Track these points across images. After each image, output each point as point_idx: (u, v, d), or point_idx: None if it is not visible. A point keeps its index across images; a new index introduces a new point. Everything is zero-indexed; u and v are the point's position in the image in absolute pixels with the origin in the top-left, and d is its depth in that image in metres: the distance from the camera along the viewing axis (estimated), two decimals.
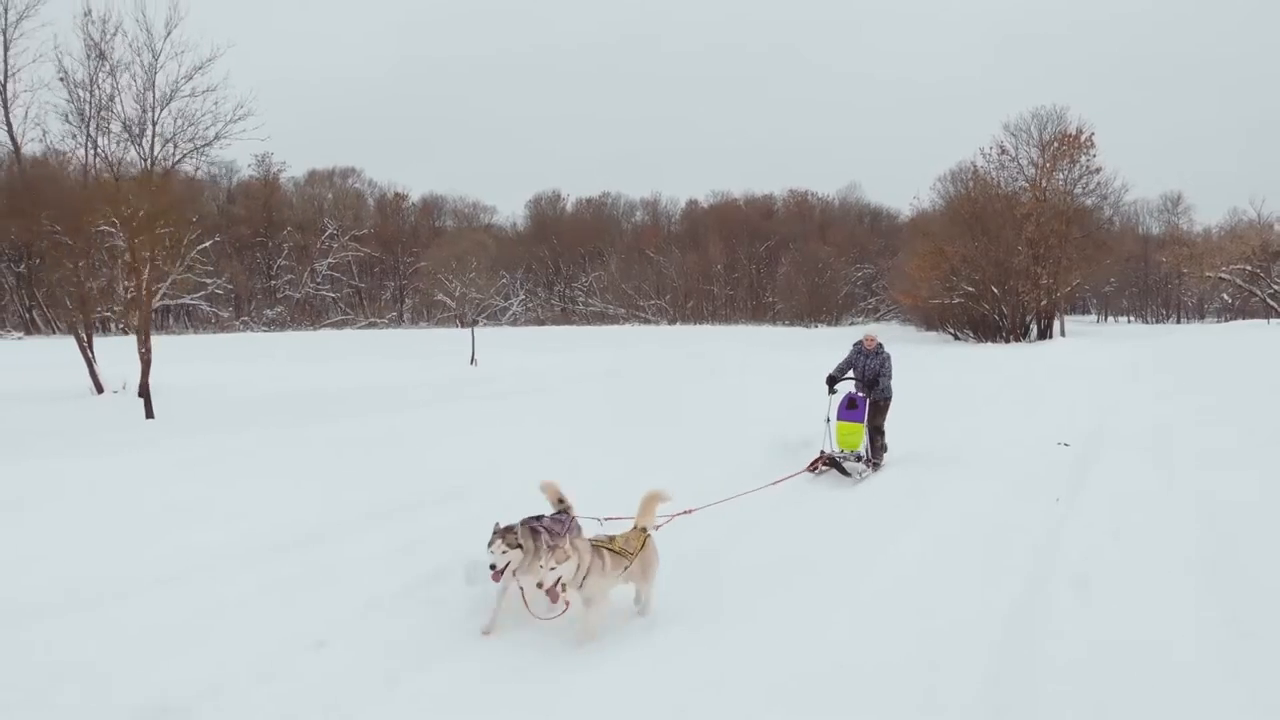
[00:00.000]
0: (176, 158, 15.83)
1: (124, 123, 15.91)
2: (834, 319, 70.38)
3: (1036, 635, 3.69)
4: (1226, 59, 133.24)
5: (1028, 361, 22.24)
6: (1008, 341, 38.21)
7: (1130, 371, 17.82)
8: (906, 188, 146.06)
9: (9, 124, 15.73)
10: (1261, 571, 4.28)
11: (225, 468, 7.13)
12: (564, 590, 3.76)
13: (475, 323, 38.19)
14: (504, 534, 3.99)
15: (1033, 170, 41.86)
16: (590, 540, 4.06)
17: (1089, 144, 40.04)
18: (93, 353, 15.84)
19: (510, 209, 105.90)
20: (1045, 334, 41.80)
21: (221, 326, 61.52)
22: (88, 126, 16.45)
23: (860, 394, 7.96)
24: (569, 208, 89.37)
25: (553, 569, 3.67)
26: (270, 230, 68.98)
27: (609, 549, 4.01)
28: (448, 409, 12.51)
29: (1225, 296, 60.53)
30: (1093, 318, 79.44)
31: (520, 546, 3.96)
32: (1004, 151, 41.90)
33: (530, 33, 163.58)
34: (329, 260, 71.64)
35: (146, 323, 14.04)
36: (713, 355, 26.79)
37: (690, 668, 3.53)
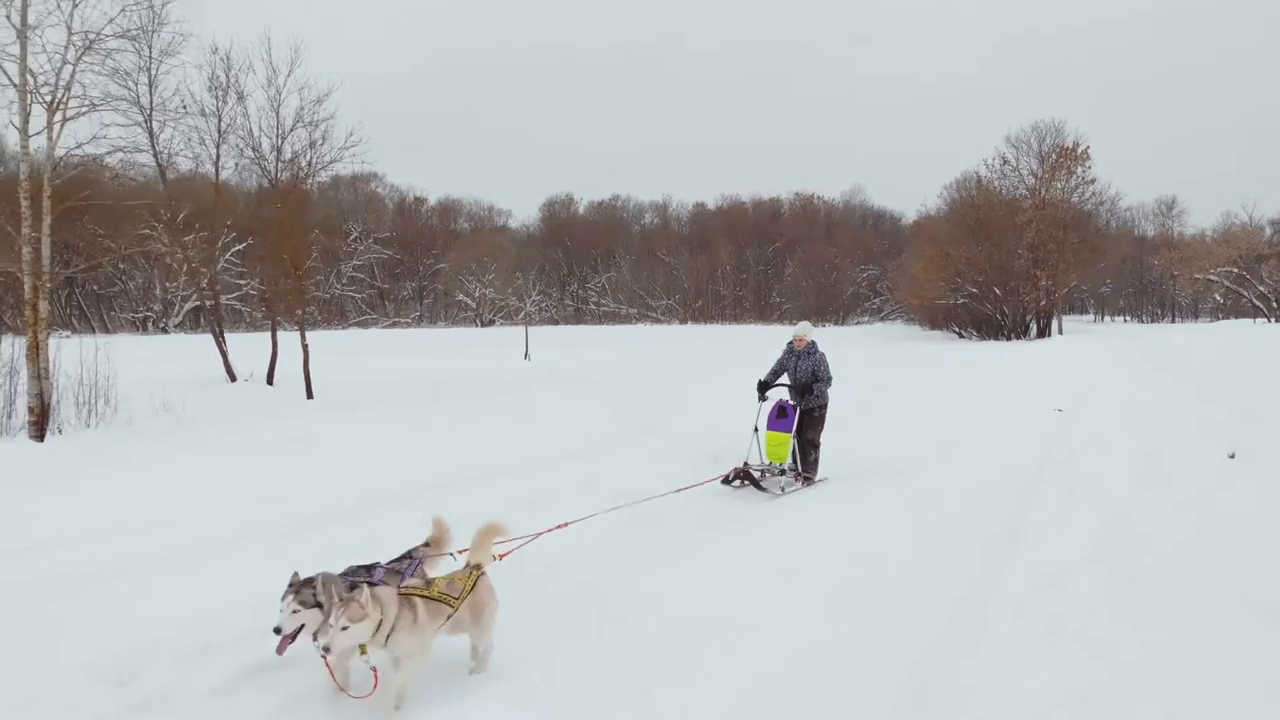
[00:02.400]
0: (298, 177, 18.45)
1: (253, 148, 18.52)
2: (840, 318, 73.02)
3: (1039, 488, 6.51)
4: (1228, 60, 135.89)
5: (1028, 355, 24.97)
6: (1009, 339, 40.92)
7: (1114, 360, 20.55)
8: (908, 189, 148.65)
9: (155, 150, 18.25)
10: (1165, 459, 7.17)
11: (399, 430, 9.81)
12: (364, 654, 3.20)
13: (491, 321, 40.68)
14: (299, 588, 3.25)
15: (1032, 179, 44.75)
16: (400, 589, 3.42)
17: (1085, 156, 42.90)
18: (226, 346, 18.40)
19: (520, 208, 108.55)
20: (1044, 332, 44.55)
21: (254, 326, 63.96)
22: (217, 150, 19.07)
23: (790, 403, 7.51)
24: (581, 210, 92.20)
25: (344, 629, 3.05)
26: (286, 232, 71.32)
27: (424, 597, 3.39)
28: (538, 394, 15.01)
29: (1217, 297, 63.24)
30: (1090, 317, 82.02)
31: (319, 605, 3.21)
32: (1005, 162, 44.85)
33: (534, 33, 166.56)
34: (354, 262, 74.20)
35: (303, 319, 16.65)
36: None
37: None
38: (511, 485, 6.82)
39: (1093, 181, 44.43)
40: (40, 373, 9.88)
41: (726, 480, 6.99)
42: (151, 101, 18.77)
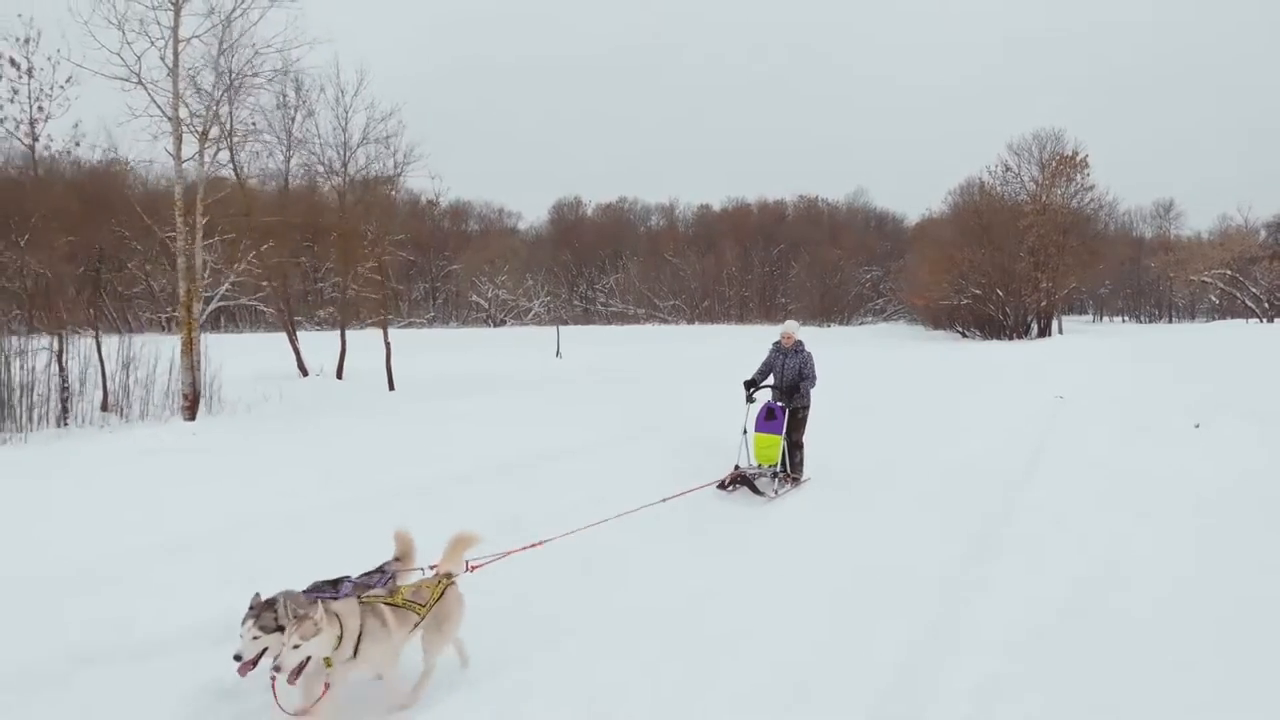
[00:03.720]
0: (368, 188, 20.24)
1: (323, 161, 20.30)
2: (845, 319, 74.68)
3: (1041, 456, 8.18)
4: (1228, 62, 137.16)
5: (1030, 354, 26.73)
6: (1011, 339, 42.68)
7: (1113, 358, 22.30)
8: (909, 191, 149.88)
9: (235, 163, 19.92)
10: (1148, 435, 8.83)
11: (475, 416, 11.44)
12: (327, 669, 3.16)
13: (503, 321, 42.19)
14: (259, 613, 3.13)
15: (1033, 185, 46.57)
16: (362, 599, 3.40)
17: (1084, 163, 44.75)
18: (298, 344, 20.12)
19: (529, 211, 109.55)
20: (1045, 332, 46.31)
21: (276, 326, 65.28)
22: (287, 163, 20.82)
23: (779, 404, 7.57)
24: (589, 212, 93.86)
25: (296, 647, 3.01)
26: (316, 235, 72.82)
27: (391, 604, 3.41)
28: (583, 389, 16.60)
29: (1213, 299, 64.81)
30: (1089, 318, 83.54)
31: (282, 629, 3.10)
32: (1008, 168, 46.70)
33: (535, 37, 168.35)
34: (370, 264, 75.80)
35: (385, 320, 18.44)
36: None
37: None
38: (525, 478, 7.42)
39: (1091, 187, 46.47)
40: (193, 364, 11.56)
41: (722, 485, 7.01)
42: (232, 120, 20.49)
